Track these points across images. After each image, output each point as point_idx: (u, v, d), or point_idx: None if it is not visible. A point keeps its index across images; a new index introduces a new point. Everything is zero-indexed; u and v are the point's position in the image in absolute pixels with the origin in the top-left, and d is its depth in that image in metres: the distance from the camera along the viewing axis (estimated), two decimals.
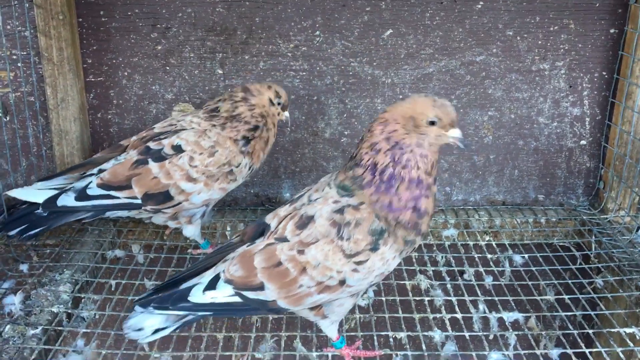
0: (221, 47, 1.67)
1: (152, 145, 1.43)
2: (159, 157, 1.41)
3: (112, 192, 1.39)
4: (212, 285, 1.12)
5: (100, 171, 1.43)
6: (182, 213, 1.48)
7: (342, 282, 1.09)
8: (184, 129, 1.46)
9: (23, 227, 1.39)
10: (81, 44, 1.66)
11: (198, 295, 1.12)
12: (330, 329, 1.21)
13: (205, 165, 1.43)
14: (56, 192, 1.40)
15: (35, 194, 1.39)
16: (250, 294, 1.11)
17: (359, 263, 1.08)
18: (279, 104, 1.51)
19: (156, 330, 1.14)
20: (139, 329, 1.13)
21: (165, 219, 1.49)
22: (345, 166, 1.15)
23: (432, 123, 1.07)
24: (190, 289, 1.13)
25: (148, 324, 1.13)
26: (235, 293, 1.11)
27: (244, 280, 1.11)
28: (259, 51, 1.68)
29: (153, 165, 1.41)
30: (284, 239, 1.11)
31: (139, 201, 1.40)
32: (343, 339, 1.25)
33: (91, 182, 1.40)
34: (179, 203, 1.43)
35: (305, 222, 1.10)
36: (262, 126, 1.49)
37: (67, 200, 1.39)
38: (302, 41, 1.67)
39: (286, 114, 1.54)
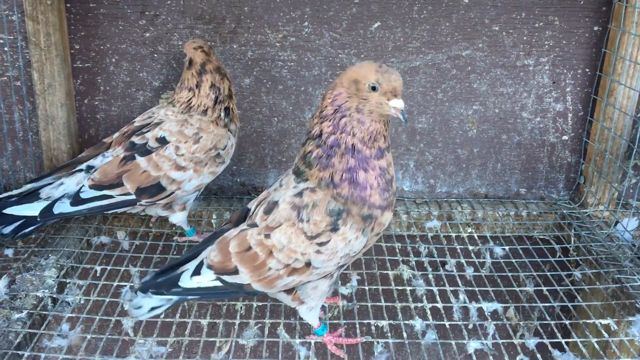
0: (210, 36, 1.67)
1: (136, 140, 1.45)
2: (145, 151, 1.43)
3: (106, 192, 1.41)
4: (197, 270, 1.17)
5: (89, 167, 1.44)
6: (177, 201, 1.49)
7: (308, 264, 1.12)
8: (163, 121, 1.48)
9: (17, 224, 1.40)
10: (69, 29, 1.65)
11: (186, 281, 1.17)
12: (309, 316, 1.24)
13: (192, 152, 1.45)
14: (49, 202, 1.40)
15: (30, 207, 1.40)
16: (228, 278, 1.15)
17: (321, 244, 1.10)
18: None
19: (152, 308, 1.20)
20: (139, 307, 1.20)
21: (158, 209, 1.50)
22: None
23: (374, 88, 1.05)
24: (181, 274, 1.18)
25: (146, 303, 1.19)
26: (216, 277, 1.16)
27: (221, 265, 1.15)
28: (247, 40, 1.68)
29: (141, 160, 1.42)
30: (254, 225, 1.15)
31: (133, 197, 1.42)
32: (325, 326, 1.28)
33: (83, 185, 1.41)
34: (172, 192, 1.45)
35: (271, 207, 1.14)
36: (228, 84, 1.54)
37: (63, 207, 1.40)
38: (290, 32, 1.68)
39: None
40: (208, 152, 1.47)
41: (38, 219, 1.39)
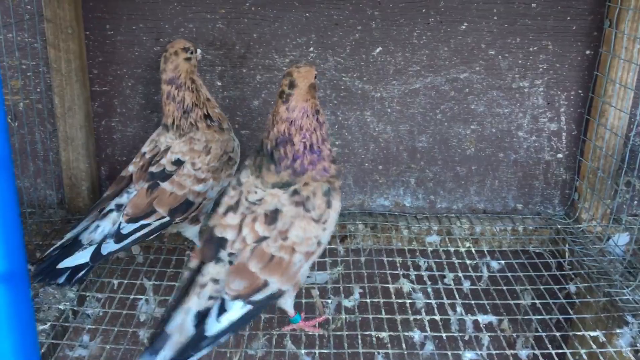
0: (220, 61, 1.76)
1: (154, 169, 1.53)
2: (165, 176, 1.52)
3: (142, 222, 1.47)
4: (222, 310, 1.18)
5: (118, 206, 1.51)
6: (202, 211, 1.59)
7: (319, 243, 1.28)
8: (170, 145, 1.56)
9: (68, 273, 1.44)
10: (88, 55, 1.74)
11: (214, 326, 1.17)
12: (288, 304, 1.35)
13: (207, 163, 1.54)
14: (94, 246, 1.46)
15: (81, 256, 1.45)
16: (259, 295, 1.21)
17: (324, 222, 1.27)
18: (192, 52, 1.57)
19: None
20: None
21: (186, 223, 1.58)
22: (266, 166, 1.28)
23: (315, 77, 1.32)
24: (202, 331, 1.16)
25: None
26: (246, 303, 1.20)
27: (249, 287, 1.20)
28: (255, 65, 1.77)
29: (165, 185, 1.50)
30: (263, 238, 1.23)
31: (168, 218, 1.50)
32: (299, 314, 1.39)
33: (121, 222, 1.47)
34: (200, 204, 1.54)
35: (273, 216, 1.24)
36: (196, 91, 1.58)
37: (110, 247, 1.45)
38: (297, 56, 1.77)
39: (199, 50, 1.61)
40: (221, 159, 1.57)
41: (90, 264, 1.44)
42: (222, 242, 1.24)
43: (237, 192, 1.30)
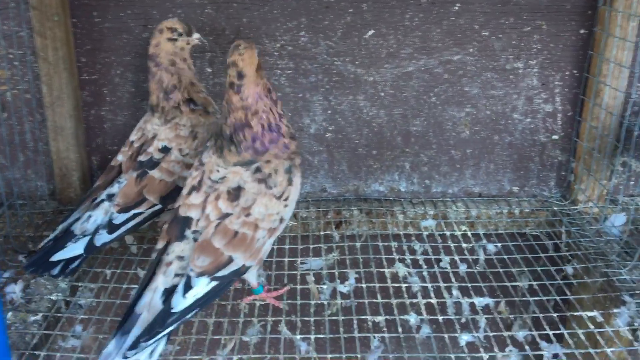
0: (210, 47, 1.74)
1: (142, 158, 1.52)
2: (153, 164, 1.50)
3: (134, 211, 1.46)
4: (187, 287, 1.20)
5: (109, 195, 1.49)
6: None
7: (282, 220, 1.31)
8: (157, 133, 1.54)
9: (62, 264, 1.42)
10: (75, 43, 1.72)
11: (180, 302, 1.18)
12: (252, 276, 1.36)
13: (194, 148, 1.53)
14: (87, 237, 1.44)
15: (75, 247, 1.43)
16: (224, 271, 1.23)
17: (286, 199, 1.30)
18: (180, 34, 1.53)
19: (151, 353, 1.18)
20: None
21: None
22: (227, 148, 1.29)
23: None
24: (169, 307, 1.17)
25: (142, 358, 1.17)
26: (211, 279, 1.22)
27: (214, 264, 1.22)
28: None
29: (153, 172, 1.49)
30: (226, 215, 1.25)
31: (160, 206, 1.48)
32: (261, 285, 1.41)
33: (112, 213, 1.45)
34: None
35: (236, 194, 1.26)
36: (176, 74, 1.55)
37: (103, 238, 1.44)
38: (287, 41, 1.74)
39: (196, 35, 1.56)
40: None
41: (84, 254, 1.43)
42: (187, 221, 1.27)
43: (199, 172, 1.31)
